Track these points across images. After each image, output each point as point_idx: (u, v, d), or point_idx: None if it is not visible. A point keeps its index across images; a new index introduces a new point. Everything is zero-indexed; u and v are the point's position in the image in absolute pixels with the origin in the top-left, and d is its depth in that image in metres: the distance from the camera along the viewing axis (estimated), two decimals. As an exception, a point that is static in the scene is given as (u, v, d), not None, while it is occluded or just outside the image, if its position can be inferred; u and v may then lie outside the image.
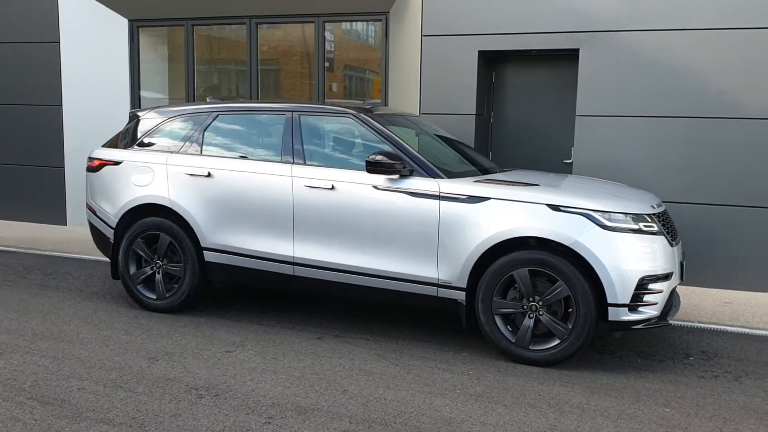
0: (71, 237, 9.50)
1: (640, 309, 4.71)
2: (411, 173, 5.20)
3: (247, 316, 5.93)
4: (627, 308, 4.68)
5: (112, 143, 6.44)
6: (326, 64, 9.40)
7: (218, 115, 6.00)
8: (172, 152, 6.01)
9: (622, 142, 7.53)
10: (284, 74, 10.29)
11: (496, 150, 8.58)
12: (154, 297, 6.01)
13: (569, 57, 7.96)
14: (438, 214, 5.05)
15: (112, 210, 6.12)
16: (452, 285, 5.04)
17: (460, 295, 5.04)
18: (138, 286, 6.07)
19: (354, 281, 5.33)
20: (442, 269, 5.05)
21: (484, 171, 5.75)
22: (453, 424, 3.86)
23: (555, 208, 4.80)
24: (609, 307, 4.68)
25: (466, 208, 4.99)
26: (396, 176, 5.19)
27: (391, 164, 5.11)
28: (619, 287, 4.64)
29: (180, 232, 5.84)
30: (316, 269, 5.44)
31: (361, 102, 6.62)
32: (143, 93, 10.63)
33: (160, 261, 5.98)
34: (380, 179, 5.23)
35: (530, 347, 4.87)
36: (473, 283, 5.03)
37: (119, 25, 10.42)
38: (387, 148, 5.34)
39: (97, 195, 6.29)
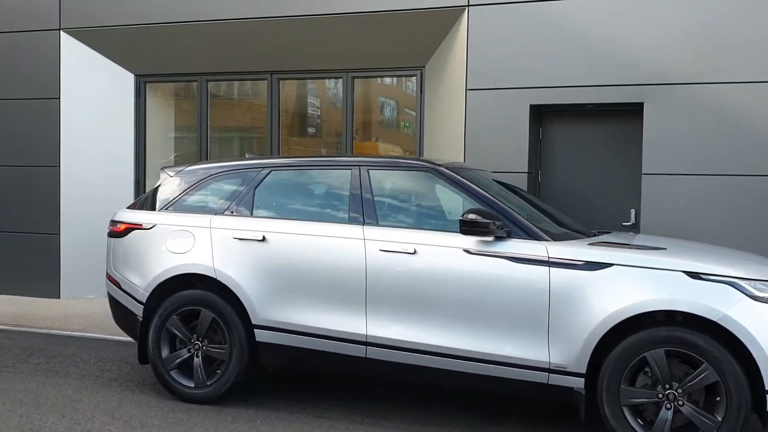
0: (68, 312, 8.48)
1: (801, 396, 3.92)
2: (508, 235, 4.44)
3: (302, 406, 5.01)
4: (788, 396, 3.89)
5: (140, 205, 5.59)
6: (352, 123, 8.72)
7: (271, 171, 5.21)
8: (216, 214, 5.18)
9: (694, 203, 6.88)
10: (302, 132, 9.60)
11: (545, 212, 7.87)
12: (192, 385, 5.06)
13: (627, 112, 7.37)
14: (548, 283, 4.27)
15: (142, 282, 5.22)
16: (567, 370, 4.22)
17: (578, 383, 4.21)
18: (171, 372, 5.12)
19: (440, 365, 4.48)
20: (555, 351, 4.23)
21: (579, 233, 5.00)
22: None
23: (695, 275, 4.05)
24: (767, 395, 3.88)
25: (585, 277, 4.21)
26: (491, 238, 4.42)
27: (487, 224, 4.35)
28: (780, 370, 3.86)
29: (226, 308, 4.96)
30: (394, 350, 4.58)
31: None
32: (149, 155, 9.82)
33: (199, 342, 5.06)
34: (471, 242, 4.46)
35: (669, 445, 4.02)
36: (592, 368, 4.20)
37: (124, 80, 9.69)
38: (477, 205, 4.58)
39: (122, 264, 5.39)
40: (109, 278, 5.51)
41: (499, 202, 4.61)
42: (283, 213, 5.09)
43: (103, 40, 9.15)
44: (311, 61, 8.80)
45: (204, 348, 5.05)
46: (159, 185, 5.58)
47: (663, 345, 4.03)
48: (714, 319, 3.94)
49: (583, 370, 4.19)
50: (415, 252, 4.55)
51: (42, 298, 9.34)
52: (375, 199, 4.84)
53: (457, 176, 4.76)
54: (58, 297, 9.39)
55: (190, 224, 5.18)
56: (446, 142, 7.89)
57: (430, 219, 4.90)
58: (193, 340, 5.08)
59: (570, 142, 7.70)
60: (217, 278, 4.99)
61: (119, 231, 5.45)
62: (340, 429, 4.56)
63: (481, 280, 4.41)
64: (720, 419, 3.93)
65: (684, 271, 4.07)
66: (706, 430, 3.95)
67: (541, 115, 7.66)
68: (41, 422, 4.58)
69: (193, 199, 5.36)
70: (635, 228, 7.19)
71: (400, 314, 4.56)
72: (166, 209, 5.37)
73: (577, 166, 7.66)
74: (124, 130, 9.67)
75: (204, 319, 5.02)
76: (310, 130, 9.66)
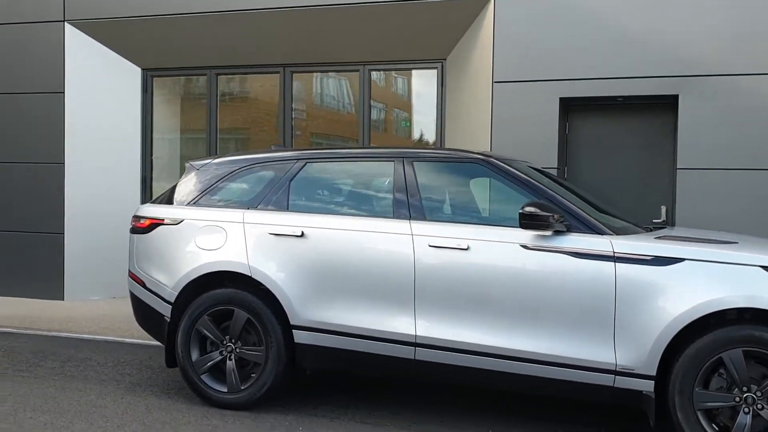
0: (75, 314, 8.14)
1: None
2: (568, 229, 4.17)
3: (342, 411, 4.72)
4: None
5: (164, 199, 5.28)
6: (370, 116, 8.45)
7: (306, 163, 4.93)
8: (248, 208, 4.88)
9: (732, 199, 6.66)
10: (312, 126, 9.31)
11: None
12: (225, 390, 4.76)
13: (657, 106, 7.16)
14: (614, 280, 4.01)
15: (170, 280, 4.92)
16: (636, 372, 3.96)
17: (647, 385, 3.95)
18: (202, 376, 4.81)
19: (496, 367, 4.21)
20: (622, 351, 3.98)
21: (638, 227, 4.74)
22: None
23: (774, 271, 3.80)
24: None
25: (654, 273, 3.96)
26: (549, 232, 4.16)
27: (546, 217, 4.09)
28: None
29: (262, 307, 4.66)
30: (446, 351, 4.30)
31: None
32: (156, 150, 9.50)
33: (231, 343, 4.76)
34: (528, 236, 4.19)
35: (748, 451, 3.77)
36: (662, 370, 3.95)
37: (131, 74, 9.37)
38: (534, 198, 4.32)
39: (146, 262, 5.09)
40: (133, 276, 5.20)
41: (557, 195, 4.35)
42: (322, 207, 4.81)
43: (109, 32, 8.83)
44: (326, 53, 8.52)
45: (237, 350, 4.75)
46: (184, 179, 5.28)
47: (741, 345, 3.78)
48: (797, 317, 3.70)
49: (653, 372, 3.93)
50: (468, 248, 4.28)
51: (46, 300, 8.98)
52: (421, 192, 4.56)
53: (511, 168, 4.50)
54: (62, 299, 9.03)
55: (221, 219, 4.89)
56: (471, 137, 7.63)
57: (481, 213, 4.64)
58: (225, 342, 4.78)
59: (597, 137, 7.46)
60: (253, 276, 4.69)
61: (143, 227, 5.14)
62: (387, 436, 4.29)
63: (540, 277, 4.15)
64: (804, 425, 3.69)
65: (762, 266, 3.83)
66: (789, 436, 3.71)
67: (567, 108, 7.42)
68: (70, 429, 4.26)
69: (222, 192, 5.07)
70: (666, 225, 6.95)
71: (453, 313, 4.28)
72: (194, 204, 5.07)
73: (605, 161, 7.42)
74: (130, 126, 9.35)
75: (238, 320, 4.72)
76: (321, 125, 9.37)
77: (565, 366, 4.07)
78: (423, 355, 4.35)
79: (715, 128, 6.69)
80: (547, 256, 4.15)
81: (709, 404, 3.85)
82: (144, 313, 5.13)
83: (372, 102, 8.45)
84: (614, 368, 4.00)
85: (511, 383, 4.24)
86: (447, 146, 7.95)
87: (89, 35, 8.93)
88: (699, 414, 3.86)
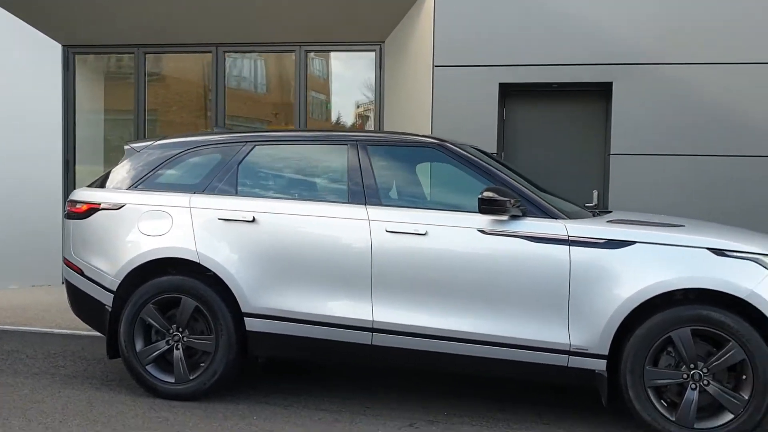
0: (-6, 304, 7.68)
1: (819, 372, 3.92)
2: (524, 213, 4.23)
3: (294, 399, 4.65)
4: (810, 372, 3.88)
5: (102, 183, 5.03)
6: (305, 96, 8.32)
7: (255, 146, 4.78)
8: (195, 192, 4.71)
9: (661, 183, 6.93)
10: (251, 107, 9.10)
11: (509, 193, 7.75)
12: (172, 380, 4.60)
13: (593, 93, 7.35)
14: (569, 263, 4.09)
15: (111, 268, 4.70)
16: (589, 352, 4.06)
17: (600, 365, 4.07)
18: (147, 367, 4.63)
19: (455, 350, 4.24)
20: (576, 333, 4.07)
21: (587, 211, 4.84)
22: None
23: (719, 252, 3.97)
24: (793, 372, 3.85)
25: (607, 255, 4.06)
26: (505, 217, 4.20)
27: (504, 202, 4.12)
28: (804, 347, 3.84)
29: (211, 295, 4.52)
30: (403, 336, 4.29)
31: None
32: (79, 132, 9.06)
33: (179, 332, 4.59)
34: (485, 221, 4.22)
35: (695, 426, 3.94)
36: (614, 350, 4.07)
37: (51, 51, 8.87)
38: (488, 183, 4.35)
39: (84, 249, 4.84)
40: (69, 264, 4.93)
41: (512, 180, 4.40)
42: (273, 192, 4.70)
43: (26, 5, 8.30)
44: (261, 33, 8.31)
45: (185, 339, 4.59)
46: (124, 162, 5.04)
47: (689, 324, 3.93)
48: (742, 296, 3.87)
49: (606, 352, 4.05)
50: (426, 233, 4.27)
51: (-42, 290, 8.45)
52: (376, 177, 4.51)
53: (466, 153, 4.51)
54: (-23, 288, 8.51)
55: (166, 204, 4.70)
56: (411, 121, 7.62)
57: (436, 198, 4.64)
58: (171, 331, 4.61)
59: (533, 123, 7.60)
60: (201, 263, 4.53)
61: (80, 212, 4.88)
62: (344, 422, 4.24)
63: (497, 261, 4.18)
64: (747, 397, 3.87)
65: (708, 248, 3.99)
66: (733, 409, 3.89)
67: (505, 94, 7.51)
68: (6, 427, 4.01)
69: (166, 176, 4.87)
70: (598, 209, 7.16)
71: (410, 298, 4.27)
72: (135, 188, 4.85)
73: (540, 146, 7.57)
74: (51, 106, 8.86)
75: (186, 308, 4.56)
76: (252, 106, 9.15)
77: (521, 347, 4.13)
78: (380, 340, 4.32)
79: (646, 115, 6.93)
80: (504, 240, 4.18)
81: (658, 381, 4.00)
82: (82, 302, 4.89)
83: (308, 84, 8.30)
84: (568, 348, 4.08)
85: (468, 366, 4.27)
86: (387, 130, 7.92)
87: (5, 8, 8.38)
88: (649, 391, 3.99)
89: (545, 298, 4.11)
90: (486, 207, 4.12)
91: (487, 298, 4.18)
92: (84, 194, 4.95)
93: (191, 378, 4.56)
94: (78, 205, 4.92)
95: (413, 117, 7.62)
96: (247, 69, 8.85)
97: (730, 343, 3.88)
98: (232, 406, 4.49)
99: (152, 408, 4.42)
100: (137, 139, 5.79)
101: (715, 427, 3.92)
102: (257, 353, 4.59)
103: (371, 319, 4.31)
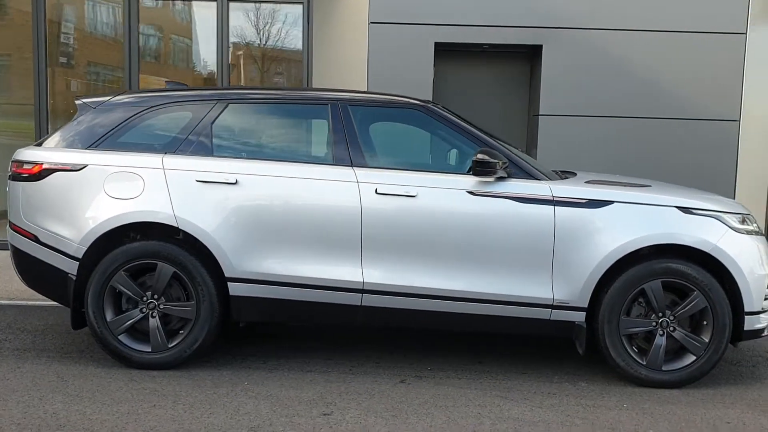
0: None
1: (764, 316, 4.44)
2: (509, 175, 4.39)
3: (275, 361, 4.62)
4: (759, 315, 4.38)
5: (56, 142, 4.64)
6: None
7: (228, 104, 4.59)
8: (166, 153, 4.48)
9: (585, 144, 7.35)
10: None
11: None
12: (148, 349, 4.42)
13: (523, 55, 7.62)
14: (553, 222, 4.31)
15: (75, 234, 4.39)
16: (570, 305, 4.34)
17: (579, 317, 4.36)
18: (120, 337, 4.41)
19: (444, 308, 4.37)
20: (559, 288, 4.32)
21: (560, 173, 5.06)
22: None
23: (686, 210, 4.34)
24: (746, 316, 4.33)
25: (587, 214, 4.32)
26: (492, 179, 4.35)
27: (494, 164, 4.27)
28: (755, 294, 4.33)
29: (191, 260, 4.36)
30: (393, 296, 4.36)
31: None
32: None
33: (154, 300, 4.40)
34: (473, 183, 4.35)
35: (663, 368, 4.34)
36: (592, 302, 4.37)
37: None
38: (473, 145, 4.47)
39: (38, 213, 4.48)
40: (18, 230, 4.55)
41: (495, 142, 4.53)
42: (252, 153, 4.56)
43: None
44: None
45: (161, 307, 4.41)
46: (78, 119, 4.67)
47: (660, 276, 4.29)
48: (707, 250, 4.27)
49: (585, 305, 4.34)
50: (416, 195, 4.33)
51: None
52: (360, 138, 4.49)
53: (449, 114, 4.58)
54: None
55: (135, 165, 4.43)
56: (343, 78, 7.55)
57: (419, 159, 4.68)
58: (146, 299, 4.41)
59: (460, 84, 7.77)
60: (180, 227, 4.35)
61: (32, 173, 4.50)
62: (337, 381, 4.29)
63: (486, 221, 4.33)
64: (707, 340, 4.30)
65: (677, 207, 4.34)
66: (695, 351, 4.31)
67: (440, 53, 7.61)
68: (-15, 410, 3.72)
69: (130, 135, 4.58)
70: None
71: (401, 259, 4.34)
72: (95, 147, 4.53)
73: (470, 106, 7.75)
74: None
75: (163, 275, 4.37)
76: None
77: (509, 303, 4.34)
78: (370, 300, 4.37)
79: (574, 78, 7.28)
80: (492, 201, 4.33)
81: (632, 330, 4.35)
82: (37, 271, 4.54)
83: (229, 35, 7.96)
84: (551, 303, 4.34)
85: (456, 323, 4.43)
86: (316, 87, 7.80)
87: None
88: (623, 339, 4.33)
89: (531, 256, 4.32)
90: (480, 169, 4.24)
91: (476, 257, 4.33)
92: (34, 154, 4.55)
93: (170, 346, 4.40)
94: (26, 166, 4.52)
95: (346, 73, 7.55)
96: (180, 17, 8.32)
97: (695, 293, 4.28)
98: (216, 373, 4.39)
99: (132, 379, 4.24)
100: (89, 94, 5.34)
101: (680, 368, 4.34)
102: (241, 319, 4.50)
103: (361, 280, 4.34)
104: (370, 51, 7.30)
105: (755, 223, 4.56)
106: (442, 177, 4.42)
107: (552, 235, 4.31)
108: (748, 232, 4.40)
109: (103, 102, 4.68)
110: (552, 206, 4.32)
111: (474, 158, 4.24)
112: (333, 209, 4.35)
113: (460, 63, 7.75)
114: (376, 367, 4.59)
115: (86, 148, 4.52)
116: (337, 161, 4.44)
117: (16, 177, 4.56)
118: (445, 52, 7.52)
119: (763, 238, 4.54)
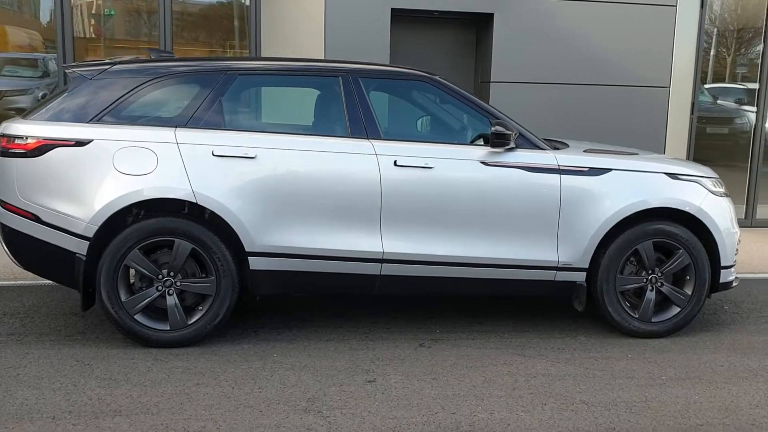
0: None
1: (734, 269, 4.98)
2: (517, 146, 4.62)
3: (289, 333, 4.67)
4: (731, 269, 4.91)
5: (48, 115, 4.36)
6: None
7: (238, 75, 4.50)
8: (177, 127, 4.35)
9: (535, 110, 7.70)
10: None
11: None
12: (166, 327, 4.35)
13: (469, 22, 7.84)
14: (559, 189, 4.60)
15: (85, 212, 4.21)
16: (573, 266, 4.68)
17: (580, 277, 4.71)
18: (136, 317, 4.31)
19: (460, 274, 4.59)
20: (563, 251, 4.64)
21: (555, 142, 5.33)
22: (732, 411, 3.65)
23: (674, 176, 4.76)
24: (722, 270, 4.84)
25: (590, 182, 4.64)
26: (501, 149, 4.57)
27: (509, 135, 4.49)
28: (729, 249, 4.84)
29: (210, 236, 4.30)
30: (411, 265, 4.52)
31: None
32: None
33: (171, 277, 4.33)
34: (484, 153, 4.55)
35: (652, 320, 4.79)
36: (591, 263, 4.73)
37: None
38: (480, 116, 4.66)
39: (39, 192, 4.25)
40: (14, 209, 4.29)
41: (503, 114, 4.72)
42: (266, 126, 4.53)
43: None
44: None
45: (179, 284, 4.34)
46: (73, 90, 4.42)
47: (652, 237, 4.70)
48: (692, 212, 4.71)
49: (586, 265, 4.68)
50: (433, 166, 4.47)
51: None
52: (374, 110, 4.55)
53: (456, 87, 4.72)
54: None
55: (146, 139, 4.28)
56: (297, 44, 7.47)
57: (431, 131, 4.80)
58: (161, 277, 4.32)
59: (417, 49, 7.90)
60: (199, 203, 4.27)
61: (28, 149, 4.24)
62: (362, 348, 4.42)
63: (498, 190, 4.54)
64: (690, 293, 4.79)
65: (666, 173, 4.75)
66: (680, 304, 4.79)
67: (392, 20, 7.67)
68: (14, 397, 3.56)
69: (135, 107, 4.41)
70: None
71: (419, 228, 4.48)
72: (99, 120, 4.32)
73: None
74: None
75: (181, 252, 4.28)
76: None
77: (520, 267, 4.61)
78: (389, 269, 4.50)
79: (525, 45, 7.59)
80: (504, 171, 4.55)
81: (626, 287, 4.75)
82: (41, 253, 4.31)
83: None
84: (557, 265, 4.65)
85: (471, 288, 4.65)
86: (270, 55, 7.66)
87: None
88: (618, 295, 4.73)
89: (540, 222, 4.60)
90: (497, 140, 4.44)
91: (490, 225, 4.55)
92: (29, 128, 4.28)
93: (189, 323, 4.35)
94: (19, 141, 4.26)
95: (301, 39, 7.47)
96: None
97: (681, 251, 4.73)
98: (238, 348, 4.40)
99: (157, 359, 4.18)
100: (79, 63, 5.00)
101: (667, 319, 4.81)
102: (261, 292, 4.50)
103: (381, 250, 4.46)
104: (327, 16, 7.26)
105: (724, 185, 5.05)
106: (455, 148, 4.58)
107: (558, 201, 4.60)
108: (722, 194, 4.89)
109: (101, 71, 4.45)
110: (558, 174, 4.60)
111: (492, 130, 4.43)
112: (353, 181, 4.41)
113: (414, 29, 7.86)
114: (389, 332, 4.75)
115: (89, 122, 4.30)
116: (353, 134, 4.49)
117: (6, 153, 4.29)
118: (400, 17, 7.59)
119: (730, 198, 5.05)
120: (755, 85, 8.51)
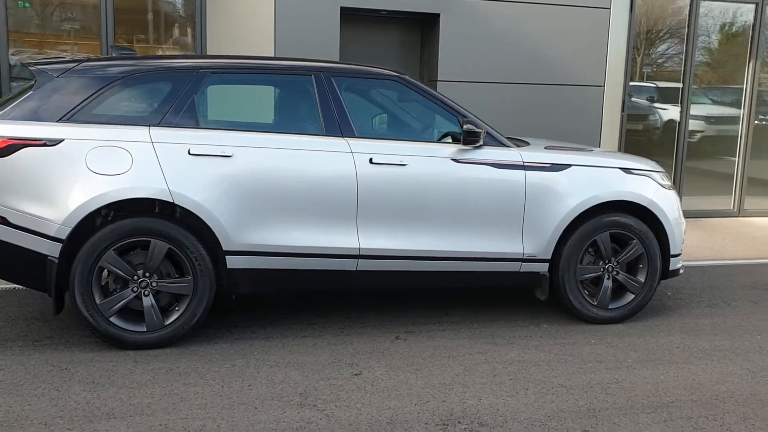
0: None
1: (680, 257, 5.34)
2: (484, 143, 4.80)
3: (264, 332, 4.69)
4: (678, 257, 5.26)
5: (15, 114, 4.22)
6: None
7: (210, 73, 4.48)
8: (150, 125, 4.30)
9: (481, 109, 7.90)
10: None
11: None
12: (143, 329, 4.30)
13: (415, 22, 8.00)
14: (524, 185, 4.82)
15: (56, 214, 4.11)
16: (537, 258, 4.90)
17: (543, 267, 4.94)
18: (111, 319, 4.24)
19: (431, 268, 4.73)
20: (528, 243, 4.86)
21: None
22: (696, 389, 3.94)
23: (628, 171, 5.05)
24: (671, 258, 5.18)
25: (552, 177, 4.88)
26: (470, 147, 4.74)
27: (479, 133, 4.67)
28: (678, 239, 5.19)
29: (186, 236, 4.28)
30: (386, 260, 4.63)
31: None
32: None
33: (146, 278, 4.28)
34: (454, 151, 4.72)
35: (609, 307, 5.08)
36: (554, 254, 4.97)
37: None
38: (449, 115, 4.82)
39: (6, 193, 4.11)
40: (-22, 213, 4.15)
41: (470, 113, 4.89)
42: (240, 125, 4.51)
43: None
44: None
45: (155, 285, 4.29)
46: (38, 88, 4.29)
47: (609, 228, 4.98)
48: (645, 205, 5.02)
49: (549, 257, 4.92)
50: (406, 164, 4.59)
51: None
52: (347, 108, 4.63)
53: (424, 86, 4.85)
54: None
55: (120, 138, 4.21)
56: (245, 41, 7.43)
57: (402, 129, 4.91)
58: (137, 278, 4.27)
59: (362, 49, 8.00)
60: (176, 202, 4.23)
61: (-5, 149, 4.10)
62: (340, 343, 4.49)
63: (468, 186, 4.71)
64: (643, 280, 5.10)
65: (620, 168, 5.04)
66: (634, 290, 5.09)
67: (342, 19, 7.74)
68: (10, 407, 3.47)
69: (106, 106, 4.33)
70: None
71: (393, 224, 4.60)
72: (69, 120, 4.22)
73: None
74: None
75: (157, 252, 4.24)
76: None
77: (489, 259, 4.80)
78: (365, 265, 4.59)
79: (470, 46, 7.81)
80: (474, 168, 4.72)
81: (585, 276, 5.02)
82: (8, 256, 4.18)
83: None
84: (522, 257, 4.87)
85: (444, 280, 4.81)
86: (214, 53, 7.59)
87: None
88: (579, 284, 4.99)
89: (507, 216, 4.80)
90: (469, 138, 4.60)
91: (461, 219, 4.71)
92: (-4, 128, 4.14)
93: (167, 324, 4.32)
94: (-16, 141, 4.11)
95: (249, 36, 7.43)
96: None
97: (634, 241, 5.04)
98: (216, 347, 4.40)
99: (137, 361, 4.13)
100: (44, 60, 4.81)
101: (622, 306, 5.11)
102: (238, 291, 4.51)
103: (357, 246, 4.55)
104: (276, 13, 7.25)
105: (670, 179, 5.40)
106: (427, 146, 4.72)
107: (523, 196, 4.81)
108: (669, 187, 5.23)
109: (66, 70, 4.34)
110: (523, 170, 4.81)
111: (464, 128, 4.59)
112: (329, 179, 4.48)
113: (363, 28, 7.95)
114: (363, 327, 4.84)
115: (58, 121, 4.20)
116: (328, 132, 4.55)
117: (-30, 154, 4.12)
118: (349, 16, 7.67)
119: (675, 191, 5.40)
120: (679, 84, 9.04)
